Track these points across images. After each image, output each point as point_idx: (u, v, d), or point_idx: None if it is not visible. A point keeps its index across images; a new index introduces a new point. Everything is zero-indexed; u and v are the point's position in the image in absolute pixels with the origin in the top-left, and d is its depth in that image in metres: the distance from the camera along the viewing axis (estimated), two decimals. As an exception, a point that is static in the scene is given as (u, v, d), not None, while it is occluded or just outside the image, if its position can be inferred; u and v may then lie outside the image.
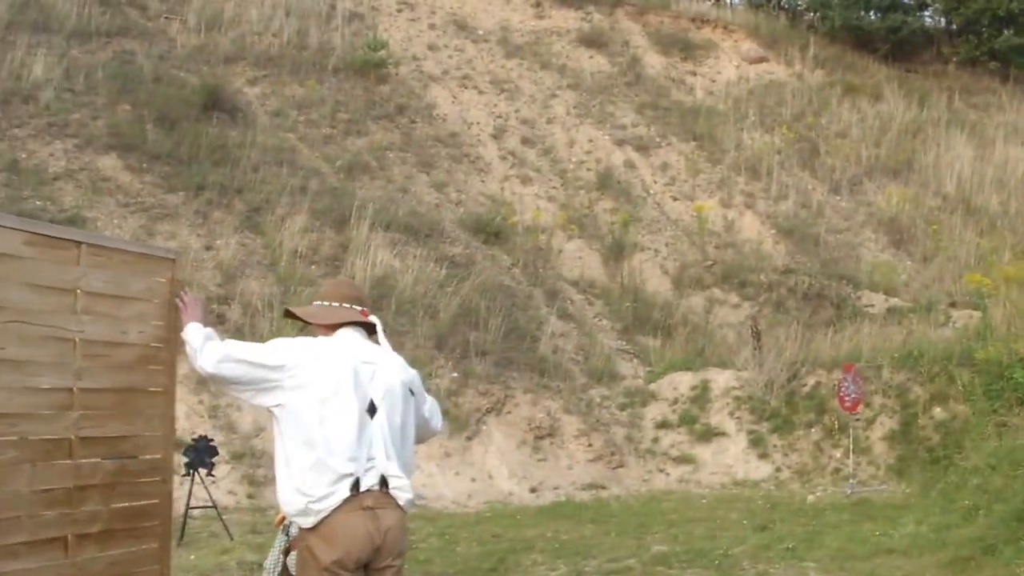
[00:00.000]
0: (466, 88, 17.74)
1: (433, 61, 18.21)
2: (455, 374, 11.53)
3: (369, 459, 3.43)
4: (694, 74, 20.21)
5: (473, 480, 10.88)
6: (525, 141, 17.05)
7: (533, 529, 9.21)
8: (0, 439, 3.32)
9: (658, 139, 17.90)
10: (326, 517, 3.33)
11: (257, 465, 10.39)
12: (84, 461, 3.65)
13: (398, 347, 10.89)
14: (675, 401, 12.00)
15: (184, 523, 8.42)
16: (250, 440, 10.59)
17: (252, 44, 16.22)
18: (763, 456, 11.28)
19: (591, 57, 19.59)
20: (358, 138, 15.02)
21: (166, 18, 16.04)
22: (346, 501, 3.35)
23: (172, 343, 4.01)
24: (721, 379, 12.08)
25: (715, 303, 14.73)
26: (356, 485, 3.37)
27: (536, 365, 11.77)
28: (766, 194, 17.13)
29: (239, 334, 11.50)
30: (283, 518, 3.69)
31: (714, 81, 20.10)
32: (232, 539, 8.36)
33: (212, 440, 9.30)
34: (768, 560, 7.48)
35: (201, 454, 9.04)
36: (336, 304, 3.67)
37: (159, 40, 15.63)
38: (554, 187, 16.39)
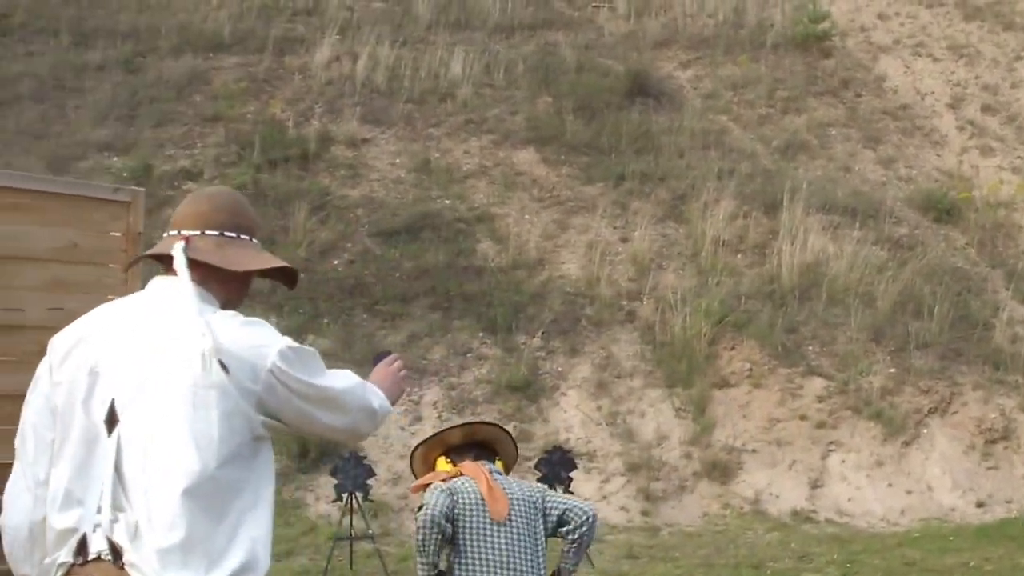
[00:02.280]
0: (919, 56, 20.04)
1: (883, 30, 20.66)
2: (892, 370, 13.49)
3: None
4: None
5: (909, 493, 12.57)
6: (986, 109, 19.09)
7: (960, 555, 10.56)
8: None
9: None
10: None
11: (655, 478, 13.05)
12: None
13: (830, 340, 13.28)
14: None
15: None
16: (650, 450, 13.40)
17: (685, 27, 19.57)
18: None
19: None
20: (797, 116, 17.60)
21: (594, 7, 20.11)
22: None
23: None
24: None
25: None
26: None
27: (989, 357, 13.25)
28: None
29: (649, 331, 14.47)
30: None
31: None
32: (593, 565, 9.88)
33: (568, 451, 11.10)
34: None
35: (556, 467, 10.54)
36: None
37: (585, 29, 19.47)
38: (1019, 157, 18.08)
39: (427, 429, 12.85)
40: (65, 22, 18.87)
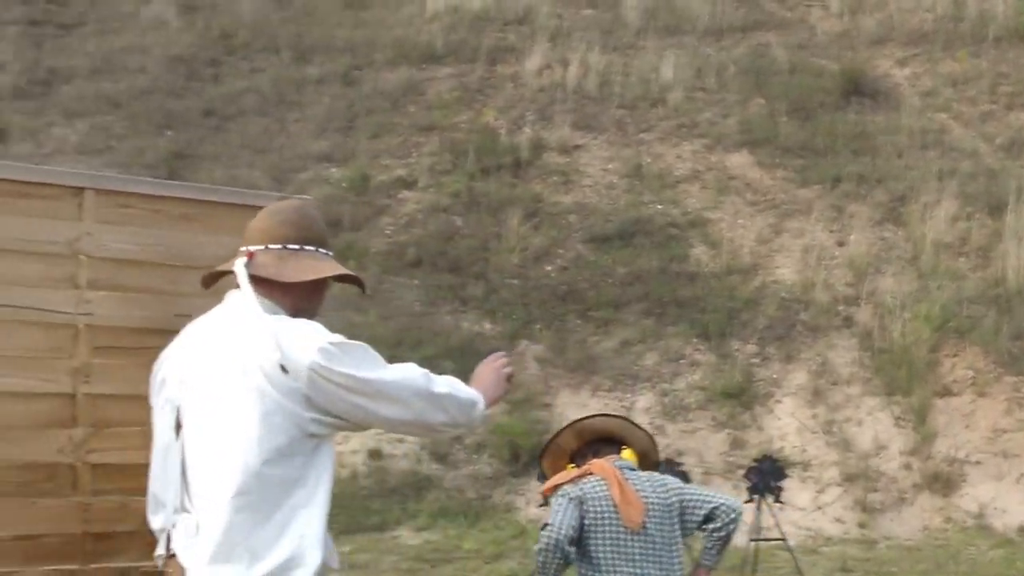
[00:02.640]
0: None
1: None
2: None
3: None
4: None
5: None
6: None
7: None
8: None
9: None
10: None
11: (873, 489, 12.94)
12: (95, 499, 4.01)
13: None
14: None
15: (755, 558, 10.47)
16: (868, 460, 13.24)
17: (901, 23, 19.30)
18: None
19: None
20: (1022, 112, 17.18)
21: (806, 5, 19.99)
22: None
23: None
24: None
25: None
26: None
27: None
28: None
29: (867, 337, 14.34)
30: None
31: None
32: None
33: (778, 460, 11.21)
34: None
35: (766, 476, 10.55)
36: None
37: (797, 29, 19.48)
38: None
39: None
40: (285, 39, 19.82)
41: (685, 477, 10.78)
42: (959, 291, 14.37)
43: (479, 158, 16.91)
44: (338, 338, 3.26)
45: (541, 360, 13.99)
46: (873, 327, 14.22)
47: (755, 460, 10.98)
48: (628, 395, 13.63)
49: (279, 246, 3.52)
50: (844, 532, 12.40)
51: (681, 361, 14.12)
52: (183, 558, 3.26)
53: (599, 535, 4.79)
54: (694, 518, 4.92)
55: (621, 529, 4.79)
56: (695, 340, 14.31)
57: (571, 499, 4.78)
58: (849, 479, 12.83)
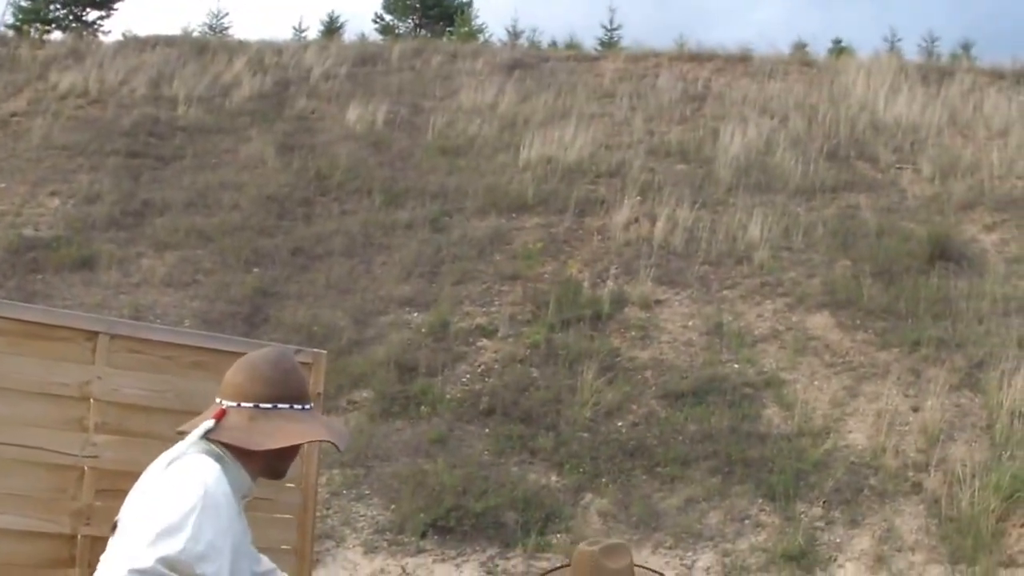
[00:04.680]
0: None
1: None
2: None
3: None
4: None
5: None
6: None
7: None
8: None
9: None
10: None
11: None
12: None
13: None
14: None
15: None
16: None
17: (991, 188, 20.37)
18: None
19: None
20: (1107, 281, 18.01)
21: (897, 168, 21.15)
22: None
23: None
24: None
25: None
26: None
27: None
28: None
29: (935, 504, 15.05)
30: None
31: None
32: None
33: None
34: None
35: None
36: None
37: (888, 192, 20.59)
38: None
39: (699, 594, 13.92)
40: (379, 182, 21.41)
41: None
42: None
43: (560, 310, 18.12)
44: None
45: (604, 514, 14.94)
46: (942, 495, 14.89)
47: None
48: (689, 554, 14.47)
49: (251, 405, 3.72)
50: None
51: (745, 521, 14.93)
52: None
53: None
54: None
55: None
56: (760, 501, 15.13)
57: None
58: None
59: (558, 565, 5.38)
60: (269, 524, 4.79)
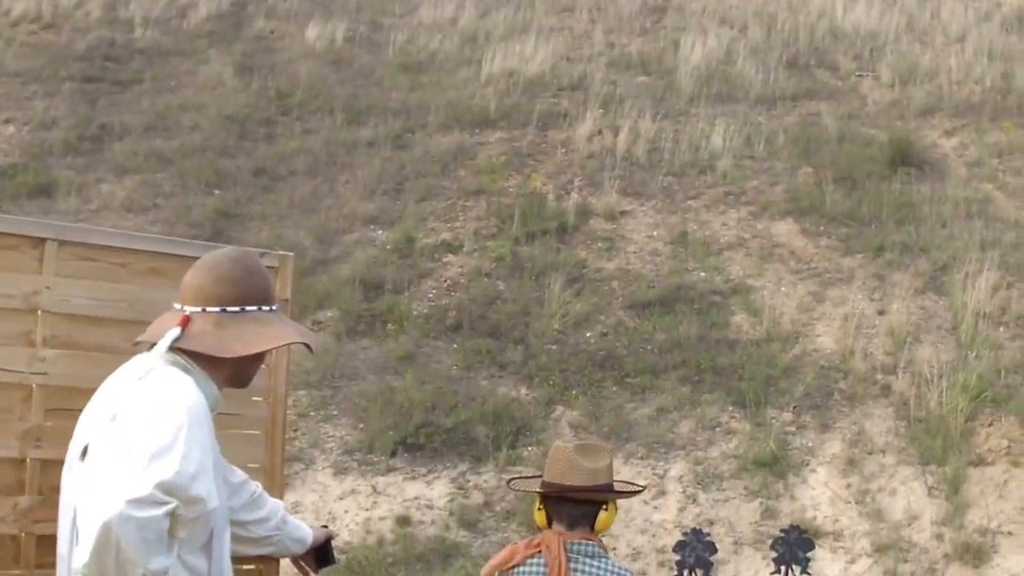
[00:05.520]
0: None
1: None
2: None
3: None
4: None
5: None
6: None
7: None
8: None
9: None
10: None
11: (903, 560, 13.11)
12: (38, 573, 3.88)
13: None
14: None
15: None
16: (900, 530, 13.53)
17: (950, 93, 19.97)
18: None
19: None
20: (1070, 181, 17.66)
21: (858, 75, 20.68)
22: None
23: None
24: None
25: None
26: None
27: None
28: None
29: (904, 407, 14.73)
30: None
31: None
32: None
33: (805, 531, 11.38)
34: None
35: (792, 547, 10.95)
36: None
37: (848, 99, 20.12)
38: None
39: (671, 504, 13.55)
40: (340, 100, 20.74)
41: (712, 548, 11.20)
42: (997, 360, 14.75)
43: (525, 223, 17.60)
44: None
45: (575, 426, 14.53)
46: (910, 396, 14.58)
47: (782, 531, 11.24)
48: (661, 463, 14.11)
49: (217, 309, 3.41)
50: (876, 606, 12.73)
51: (716, 429, 14.58)
52: None
53: None
54: None
55: None
56: (731, 408, 14.77)
57: None
58: (880, 550, 13.11)
59: (529, 475, 4.68)
60: (236, 441, 4.20)
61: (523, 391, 15.02)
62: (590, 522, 4.22)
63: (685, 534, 10.98)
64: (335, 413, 14.72)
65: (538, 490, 4.28)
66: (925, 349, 15.22)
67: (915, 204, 17.42)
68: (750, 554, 12.89)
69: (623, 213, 18.07)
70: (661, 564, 12.25)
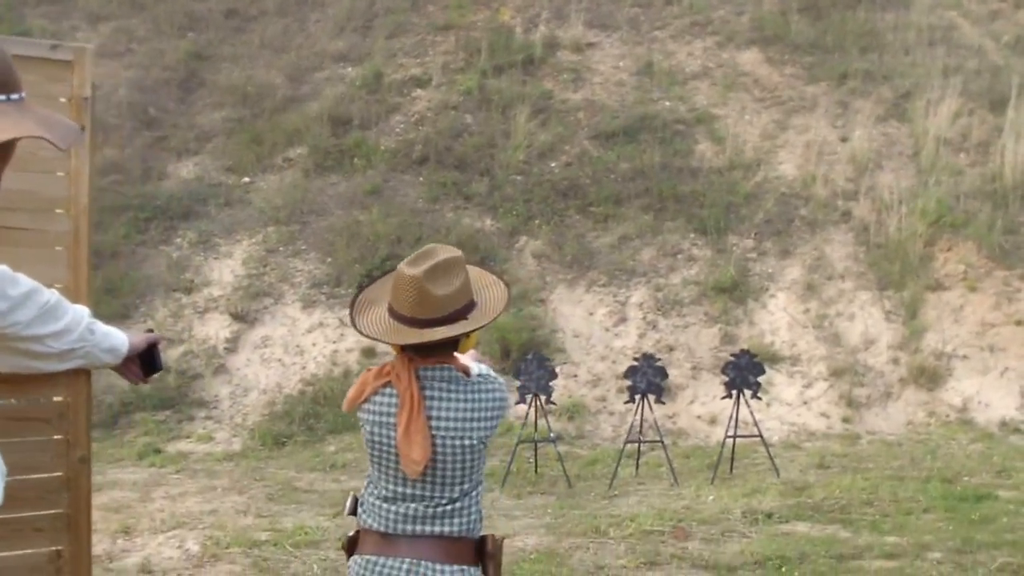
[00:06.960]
0: None
1: None
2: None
3: None
4: None
5: None
6: None
7: None
8: None
9: None
10: None
11: (859, 383, 12.68)
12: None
13: None
14: None
15: (726, 454, 10.37)
16: (856, 355, 13.11)
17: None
18: None
19: None
20: (1031, 9, 16.84)
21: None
22: None
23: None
24: None
25: None
26: None
27: None
28: None
29: (864, 232, 14.18)
30: None
31: None
32: (778, 475, 10.10)
33: (756, 355, 10.65)
34: None
35: (743, 372, 10.24)
36: None
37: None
38: None
39: (631, 330, 13.10)
40: (309, -60, 19.60)
41: (663, 373, 10.74)
42: (956, 186, 14.17)
43: (492, 56, 16.82)
44: None
45: (539, 255, 14.01)
46: (870, 222, 14.06)
47: (733, 356, 10.71)
48: (623, 290, 13.64)
49: None
50: (828, 427, 12.21)
51: (678, 256, 14.07)
52: None
53: (378, 482, 3.41)
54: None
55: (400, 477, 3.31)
56: (692, 235, 14.24)
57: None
58: (836, 374, 12.73)
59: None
60: (32, 260, 3.45)
61: (488, 222, 14.45)
62: (451, 347, 3.40)
63: (636, 359, 10.48)
64: (303, 248, 14.17)
65: (392, 341, 3.31)
66: (886, 175, 14.64)
67: (879, 32, 16.62)
68: (708, 379, 12.51)
69: (589, 45, 17.27)
70: (620, 391, 11.81)
